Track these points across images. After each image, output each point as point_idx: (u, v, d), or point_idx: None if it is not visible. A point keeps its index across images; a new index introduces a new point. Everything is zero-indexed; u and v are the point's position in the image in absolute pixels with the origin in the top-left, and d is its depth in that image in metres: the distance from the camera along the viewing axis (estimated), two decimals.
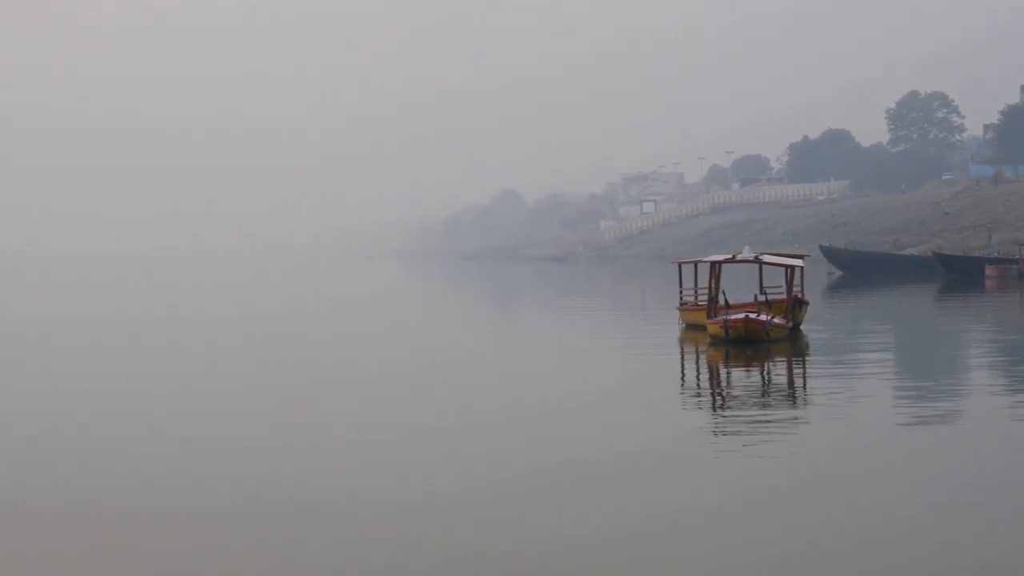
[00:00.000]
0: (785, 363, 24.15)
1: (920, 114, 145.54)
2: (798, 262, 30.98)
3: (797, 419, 16.69)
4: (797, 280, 30.21)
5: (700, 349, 26.79)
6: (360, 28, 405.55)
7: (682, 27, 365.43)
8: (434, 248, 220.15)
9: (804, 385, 20.57)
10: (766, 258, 31.20)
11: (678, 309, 33.57)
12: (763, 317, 26.64)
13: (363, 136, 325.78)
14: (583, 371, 23.30)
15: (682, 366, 24.69)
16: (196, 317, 44.23)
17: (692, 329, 30.89)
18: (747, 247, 31.89)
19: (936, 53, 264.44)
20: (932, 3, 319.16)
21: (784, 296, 29.99)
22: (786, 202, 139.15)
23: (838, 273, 70.44)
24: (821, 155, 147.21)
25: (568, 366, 24.36)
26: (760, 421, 16.64)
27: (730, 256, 30.91)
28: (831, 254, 74.22)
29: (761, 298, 28.99)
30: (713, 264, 30.34)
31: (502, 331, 36.01)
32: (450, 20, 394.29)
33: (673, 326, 32.42)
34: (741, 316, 26.30)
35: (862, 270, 69.60)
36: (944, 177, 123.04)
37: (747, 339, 25.96)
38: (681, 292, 34.27)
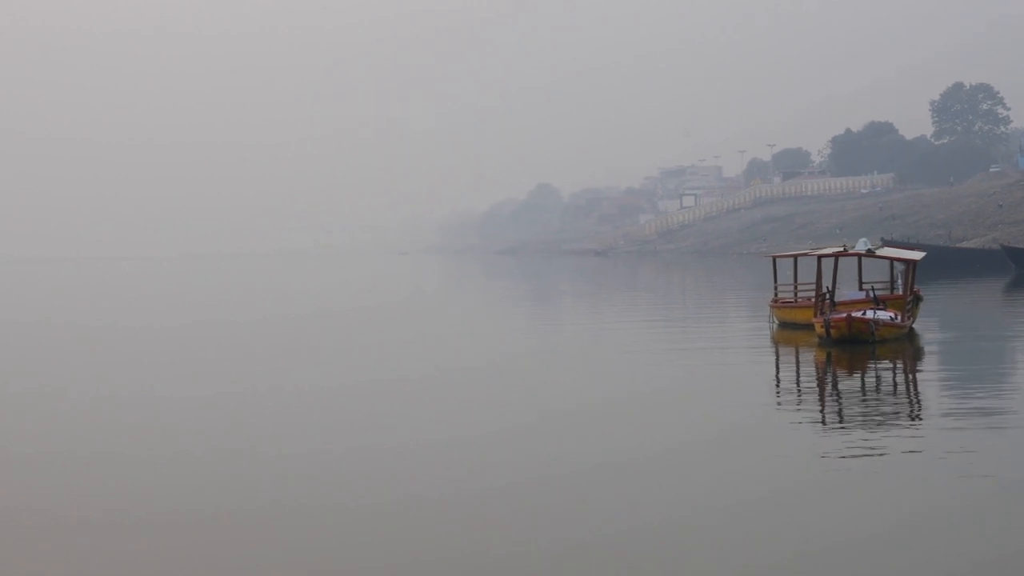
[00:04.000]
0: (901, 367, 21.66)
1: (965, 106, 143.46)
2: (917, 255, 29.17)
3: (910, 443, 14.37)
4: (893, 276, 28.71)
5: (800, 350, 24.62)
6: (396, 32, 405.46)
7: (721, 22, 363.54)
8: (470, 243, 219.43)
9: (917, 398, 17.80)
10: (885, 252, 29.14)
11: (771, 306, 31.13)
12: (889, 314, 24.83)
13: (400, 136, 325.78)
14: (676, 374, 21.38)
15: (777, 369, 22.06)
16: (287, 316, 43.03)
17: (787, 328, 28.87)
18: (863, 240, 29.46)
19: (979, 44, 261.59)
20: None
21: (896, 292, 28.12)
22: (828, 196, 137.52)
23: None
24: (864, 148, 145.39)
25: (660, 367, 22.43)
26: (873, 450, 15.04)
27: (841, 248, 28.46)
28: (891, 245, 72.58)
29: (870, 293, 26.96)
30: (821, 258, 28.07)
31: (578, 328, 33.79)
32: (489, 19, 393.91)
33: (761, 324, 30.30)
34: (843, 315, 24.39)
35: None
36: (992, 169, 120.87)
37: (851, 340, 24.01)
38: (776, 288, 31.78)
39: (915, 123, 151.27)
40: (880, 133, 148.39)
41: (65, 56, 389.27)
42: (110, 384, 21.72)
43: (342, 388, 20.32)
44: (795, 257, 32.94)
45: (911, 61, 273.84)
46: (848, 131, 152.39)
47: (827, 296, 26.78)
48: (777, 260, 33.44)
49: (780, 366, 22.49)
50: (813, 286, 29.18)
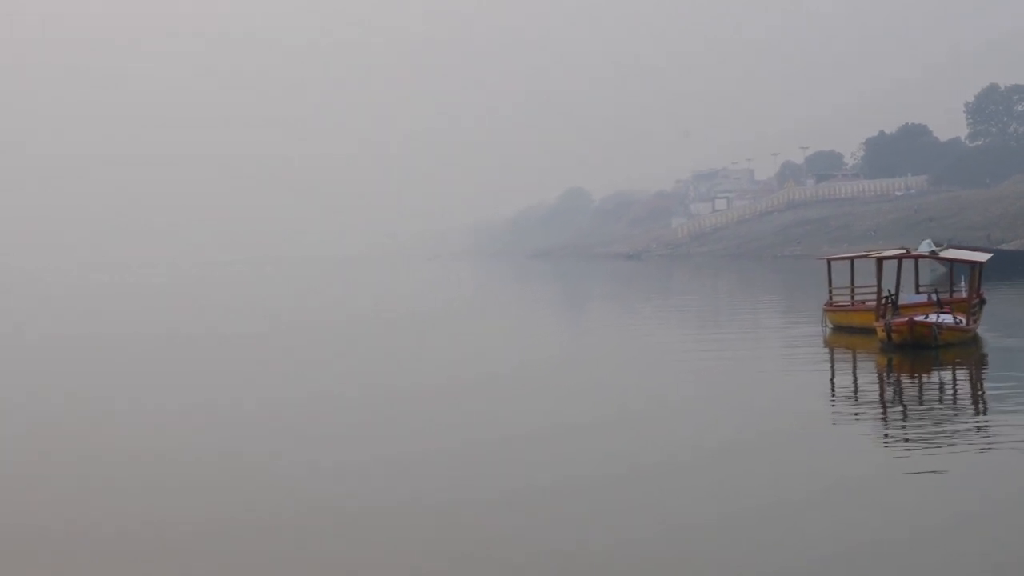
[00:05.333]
0: (965, 374, 21.08)
1: (1000, 107, 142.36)
2: (983, 257, 28.69)
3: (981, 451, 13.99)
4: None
5: (858, 354, 24.14)
6: (422, 38, 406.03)
7: (750, 24, 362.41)
8: (500, 248, 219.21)
9: (982, 406, 17.34)
10: (950, 253, 28.49)
11: (825, 309, 30.58)
12: (954, 318, 24.36)
13: (429, 141, 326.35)
14: (735, 380, 21.02)
15: (833, 374, 21.59)
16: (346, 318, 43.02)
17: (842, 332, 28.43)
18: (927, 241, 28.99)
19: (1013, 42, 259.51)
20: None
21: (960, 295, 27.75)
22: (862, 198, 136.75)
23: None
24: (898, 150, 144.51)
25: (712, 372, 22.09)
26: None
27: (903, 251, 27.94)
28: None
29: (932, 296, 26.53)
30: (882, 260, 27.47)
31: (624, 332, 33.29)
32: (518, 23, 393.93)
33: (813, 328, 29.78)
34: (905, 319, 23.95)
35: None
36: None
37: (914, 344, 23.50)
38: (831, 291, 31.29)
39: (947, 125, 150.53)
40: (914, 135, 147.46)
41: (113, 70, 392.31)
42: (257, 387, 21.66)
43: (388, 392, 20.21)
44: (851, 259, 32.23)
45: (940, 61, 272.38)
46: (882, 133, 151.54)
47: (889, 299, 26.16)
48: (832, 262, 32.76)
49: (836, 371, 22.02)
50: (868, 289, 28.84)
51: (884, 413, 16.88)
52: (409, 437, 15.63)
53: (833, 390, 19.30)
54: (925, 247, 27.91)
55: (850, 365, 23.13)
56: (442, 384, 21.36)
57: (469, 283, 79.64)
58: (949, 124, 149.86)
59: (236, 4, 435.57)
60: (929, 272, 44.90)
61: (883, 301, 26.19)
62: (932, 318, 24.19)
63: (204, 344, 32.07)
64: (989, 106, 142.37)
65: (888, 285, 27.08)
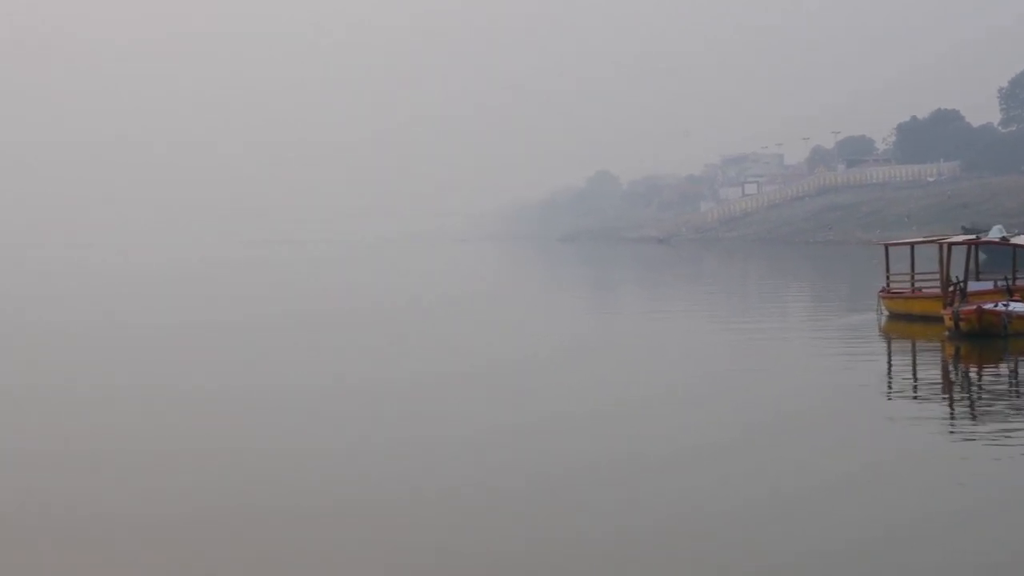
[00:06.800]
0: None
1: None
2: None
3: None
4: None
5: (918, 343, 23.89)
6: (449, 22, 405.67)
7: (781, 6, 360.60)
8: (528, 231, 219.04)
9: None
10: (1023, 239, 27.74)
11: (881, 296, 30.17)
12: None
13: (458, 120, 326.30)
14: (794, 366, 21.20)
15: (889, 364, 21.41)
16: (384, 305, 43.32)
17: (899, 319, 28.19)
18: (997, 227, 28.70)
19: None
20: None
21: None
22: (894, 183, 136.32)
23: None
24: (930, 135, 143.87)
25: (766, 358, 22.35)
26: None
27: (973, 236, 27.33)
28: None
29: (1001, 284, 25.92)
30: (944, 246, 26.81)
31: (668, 318, 33.42)
32: (546, 9, 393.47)
33: (863, 316, 29.48)
34: (973, 307, 23.59)
35: None
36: None
37: (982, 333, 23.08)
38: (888, 277, 30.89)
39: (977, 108, 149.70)
40: (946, 121, 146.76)
41: (177, 60, 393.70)
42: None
43: (430, 377, 20.60)
44: (912, 245, 31.82)
45: (974, 47, 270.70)
46: (913, 118, 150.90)
47: (957, 286, 25.58)
48: (889, 248, 32.44)
49: (894, 361, 21.89)
50: (926, 275, 28.71)
51: (951, 406, 16.89)
52: (441, 421, 16.06)
53: (887, 382, 19.24)
54: (995, 232, 27.65)
55: (910, 355, 22.86)
56: (475, 370, 21.70)
57: (503, 268, 79.87)
58: (980, 108, 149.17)
59: None
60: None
61: (951, 288, 25.61)
62: (1001, 306, 23.64)
63: (200, 333, 32.03)
64: (1023, 92, 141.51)
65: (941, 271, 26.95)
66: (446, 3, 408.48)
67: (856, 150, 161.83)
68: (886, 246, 32.95)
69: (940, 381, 19.72)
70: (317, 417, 16.74)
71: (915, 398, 17.64)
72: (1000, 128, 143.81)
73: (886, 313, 29.53)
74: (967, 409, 16.43)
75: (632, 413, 16.24)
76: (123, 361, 24.51)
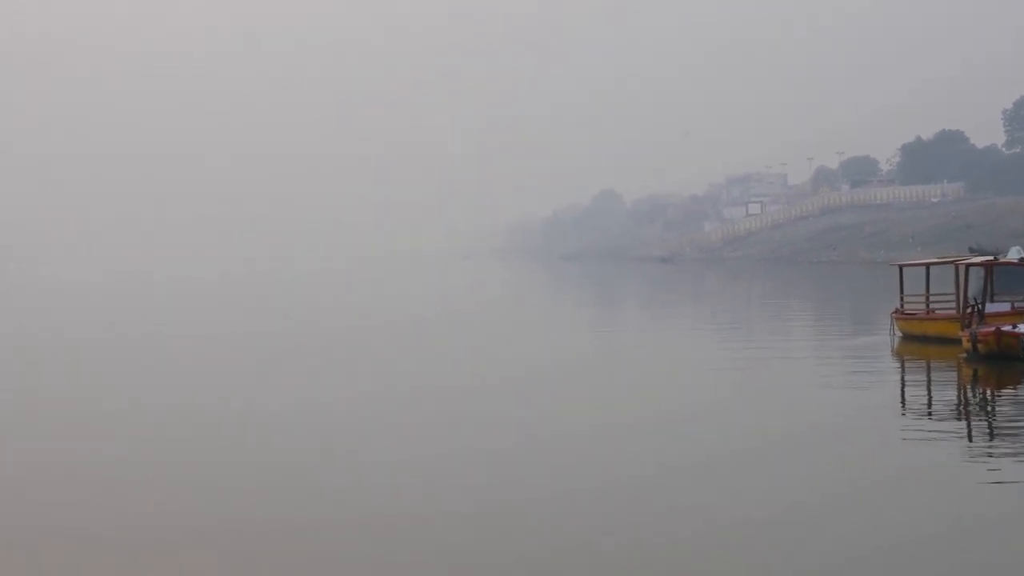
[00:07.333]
0: None
1: None
2: None
3: None
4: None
5: (933, 365, 23.62)
6: (458, 42, 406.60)
7: (785, 26, 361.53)
8: (532, 248, 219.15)
9: None
10: None
11: (894, 317, 29.79)
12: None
13: (465, 139, 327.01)
14: (803, 391, 20.80)
15: (903, 386, 21.09)
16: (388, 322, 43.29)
17: (913, 340, 27.90)
18: (1015, 248, 28.35)
19: None
20: None
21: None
22: (898, 204, 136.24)
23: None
24: (934, 156, 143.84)
25: (777, 381, 22.08)
26: None
27: (991, 257, 26.99)
28: None
29: (1020, 305, 25.70)
30: (961, 267, 26.59)
31: (676, 339, 33.18)
32: (552, 27, 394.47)
33: (879, 336, 29.19)
34: (992, 329, 23.17)
35: None
36: None
37: (999, 355, 22.70)
38: (902, 298, 30.53)
39: (980, 129, 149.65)
40: (951, 142, 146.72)
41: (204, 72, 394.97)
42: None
43: (441, 391, 20.55)
44: (927, 265, 31.31)
45: (978, 64, 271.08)
46: (918, 139, 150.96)
47: (975, 307, 25.30)
48: (904, 268, 32.03)
49: (910, 384, 21.60)
50: (939, 296, 28.44)
51: (968, 429, 16.70)
52: (463, 435, 16.11)
53: (904, 403, 19.05)
54: (1014, 253, 27.37)
55: (925, 376, 22.62)
56: (481, 385, 21.76)
57: (507, 285, 79.81)
58: (985, 130, 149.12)
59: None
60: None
61: (969, 309, 25.37)
62: (1021, 328, 23.31)
63: (197, 348, 31.95)
64: None
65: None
66: (453, 21, 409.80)
67: (860, 171, 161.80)
68: (900, 267, 32.52)
69: (957, 401, 19.56)
70: (326, 432, 16.76)
71: (931, 416, 17.53)
72: (1004, 150, 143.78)
73: (899, 334, 29.20)
74: (985, 429, 16.30)
75: (646, 429, 16.26)
76: (154, 376, 24.45)
